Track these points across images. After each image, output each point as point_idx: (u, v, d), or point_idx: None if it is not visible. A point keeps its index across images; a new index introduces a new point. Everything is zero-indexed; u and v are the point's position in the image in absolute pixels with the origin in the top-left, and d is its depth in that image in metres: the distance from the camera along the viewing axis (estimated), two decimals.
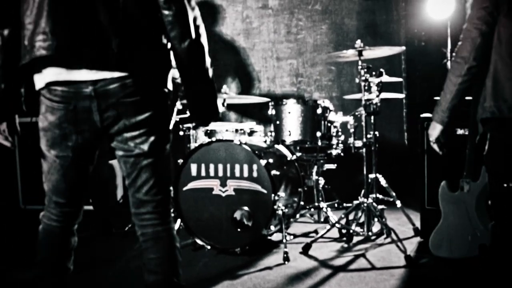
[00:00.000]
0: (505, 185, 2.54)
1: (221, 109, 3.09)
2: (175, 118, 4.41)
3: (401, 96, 4.95)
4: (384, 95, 4.07)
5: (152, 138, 2.06)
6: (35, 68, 2.04)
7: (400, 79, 5.02)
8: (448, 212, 3.59)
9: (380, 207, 3.95)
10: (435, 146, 2.88)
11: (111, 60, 1.93)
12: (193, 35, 2.07)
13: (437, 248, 3.57)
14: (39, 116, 2.16)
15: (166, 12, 2.01)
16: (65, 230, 2.28)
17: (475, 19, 2.47)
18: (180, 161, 3.93)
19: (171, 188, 2.90)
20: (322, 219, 4.59)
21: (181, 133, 4.44)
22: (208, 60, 2.14)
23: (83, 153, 2.14)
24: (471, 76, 2.49)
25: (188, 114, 4.38)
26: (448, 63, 5.04)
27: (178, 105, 4.32)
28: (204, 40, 2.13)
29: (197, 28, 2.10)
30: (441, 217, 3.62)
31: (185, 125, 4.41)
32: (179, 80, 4.73)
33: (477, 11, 2.48)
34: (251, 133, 4.29)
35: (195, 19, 2.09)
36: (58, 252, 2.28)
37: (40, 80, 2.05)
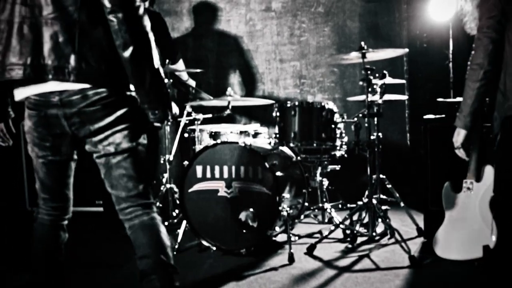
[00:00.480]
0: None
1: (175, 109, 3.15)
2: (184, 120, 4.43)
3: (404, 97, 4.95)
4: (387, 96, 4.07)
5: (117, 140, 2.24)
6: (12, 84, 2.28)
7: (403, 81, 5.02)
8: (451, 213, 3.59)
9: (383, 207, 3.94)
10: (460, 152, 2.99)
11: (71, 74, 2.13)
12: (136, 44, 2.16)
13: (441, 249, 3.57)
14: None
15: (111, 22, 2.14)
16: (54, 224, 2.51)
17: (485, 28, 2.60)
18: (186, 163, 3.94)
19: (152, 178, 3.02)
20: (326, 220, 4.60)
21: (186, 135, 4.45)
22: (154, 67, 2.22)
23: (61, 153, 2.38)
24: (487, 80, 2.63)
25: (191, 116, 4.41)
26: (450, 65, 5.05)
27: (188, 108, 4.34)
28: (149, 48, 2.21)
29: (143, 36, 2.19)
30: (444, 218, 3.63)
31: (190, 128, 4.42)
32: (190, 82, 4.67)
33: (486, 21, 2.60)
34: (255, 135, 4.29)
35: (141, 27, 2.18)
36: (48, 246, 2.50)
37: (18, 94, 2.31)
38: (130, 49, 2.14)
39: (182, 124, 4.52)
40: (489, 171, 3.47)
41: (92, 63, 2.15)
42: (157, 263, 2.31)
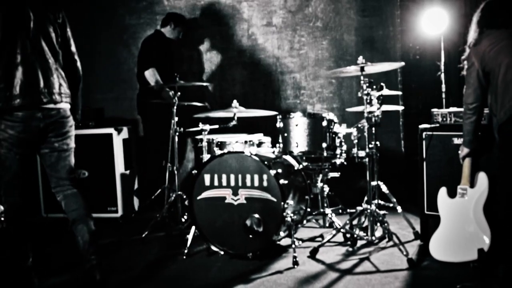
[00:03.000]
0: None
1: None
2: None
3: (400, 108, 4.96)
4: (383, 107, 4.07)
5: (68, 141, 3.29)
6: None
7: (399, 93, 5.03)
8: (447, 217, 3.60)
9: (382, 212, 3.94)
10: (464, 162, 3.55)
11: (45, 98, 3.11)
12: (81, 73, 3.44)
13: (438, 252, 3.57)
14: None
15: (75, 61, 3.39)
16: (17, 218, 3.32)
17: (469, 78, 3.28)
18: (195, 171, 3.94)
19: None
20: (327, 224, 4.59)
21: (193, 144, 4.45)
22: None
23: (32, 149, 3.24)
24: (478, 114, 3.32)
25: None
26: (442, 75, 5.05)
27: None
28: None
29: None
30: (439, 222, 3.63)
31: (197, 137, 4.42)
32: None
33: (467, 70, 3.31)
34: (259, 144, 4.30)
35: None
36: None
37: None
38: (80, 78, 3.42)
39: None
40: (482, 178, 3.49)
41: (58, 88, 3.19)
42: (83, 214, 3.30)
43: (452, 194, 3.60)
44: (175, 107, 4.61)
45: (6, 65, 3.03)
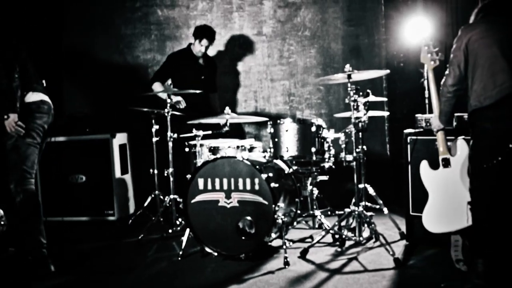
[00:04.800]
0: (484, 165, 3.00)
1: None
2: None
3: (385, 114, 4.97)
4: (370, 113, 4.07)
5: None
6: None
7: (384, 99, 5.04)
8: (434, 189, 3.53)
9: (369, 214, 3.94)
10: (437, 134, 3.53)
11: None
12: None
13: (432, 225, 3.50)
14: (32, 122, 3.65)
15: (39, 85, 3.80)
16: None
17: (454, 59, 3.16)
18: (188, 176, 3.92)
19: None
20: (316, 226, 4.59)
21: (187, 149, 4.41)
22: None
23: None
24: (457, 95, 3.24)
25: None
26: (425, 82, 5.06)
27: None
28: None
29: None
30: (428, 197, 3.56)
31: (190, 143, 4.39)
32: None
33: (454, 52, 3.16)
34: (251, 149, 4.28)
35: None
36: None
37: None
38: None
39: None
40: (462, 144, 3.46)
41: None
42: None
43: (434, 166, 3.55)
44: (169, 115, 4.58)
45: None
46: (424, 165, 3.62)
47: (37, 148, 3.69)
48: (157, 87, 5.28)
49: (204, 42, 5.26)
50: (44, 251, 3.62)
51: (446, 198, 3.47)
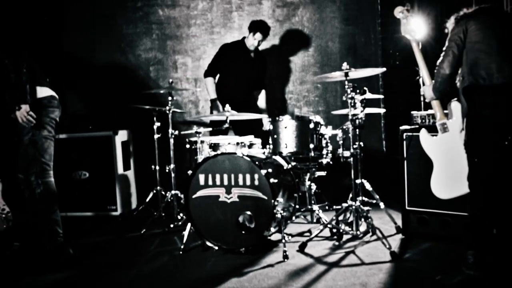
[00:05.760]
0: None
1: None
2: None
3: (382, 111, 4.98)
4: (366, 110, 4.07)
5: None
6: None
7: (381, 96, 5.04)
8: (436, 157, 3.53)
9: (366, 208, 3.95)
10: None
11: None
12: None
13: (441, 192, 3.49)
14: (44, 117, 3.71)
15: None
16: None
17: (452, 43, 3.14)
18: (190, 172, 3.93)
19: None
20: (314, 220, 4.61)
21: (188, 146, 4.42)
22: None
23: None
24: (452, 81, 3.22)
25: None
26: (420, 80, 5.07)
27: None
28: None
29: None
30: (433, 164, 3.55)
31: (191, 139, 4.39)
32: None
33: (453, 36, 3.14)
34: (250, 145, 4.28)
35: None
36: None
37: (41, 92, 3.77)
38: None
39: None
40: (456, 106, 3.46)
41: None
42: None
43: (433, 133, 3.53)
44: (170, 112, 4.58)
45: None
46: (423, 133, 3.60)
47: (53, 141, 3.78)
48: (209, 82, 5.24)
49: (258, 35, 5.17)
50: (60, 239, 3.73)
51: (450, 162, 3.45)
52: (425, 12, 5.22)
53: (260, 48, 5.38)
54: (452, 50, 3.14)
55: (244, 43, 5.28)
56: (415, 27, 3.69)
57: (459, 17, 3.18)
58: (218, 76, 5.29)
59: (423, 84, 5.04)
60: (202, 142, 4.25)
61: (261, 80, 5.48)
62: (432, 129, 3.73)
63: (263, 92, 5.50)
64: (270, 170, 3.80)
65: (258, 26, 5.16)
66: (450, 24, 3.27)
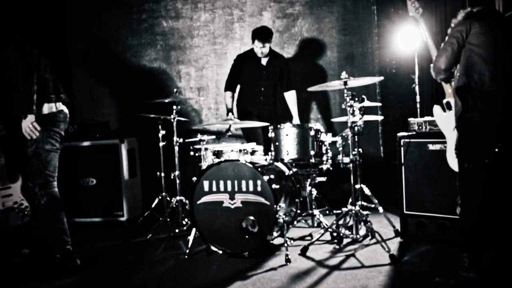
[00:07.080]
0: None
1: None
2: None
3: (379, 118, 5.00)
4: (365, 117, 4.09)
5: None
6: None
7: (378, 104, 5.06)
8: (447, 130, 3.49)
9: (365, 212, 3.96)
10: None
11: None
12: None
13: (454, 165, 3.39)
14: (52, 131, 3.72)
15: None
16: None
17: (452, 39, 3.07)
18: (194, 178, 3.94)
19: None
20: (315, 224, 4.61)
21: (192, 153, 4.43)
22: None
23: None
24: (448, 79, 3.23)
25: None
26: (416, 88, 5.10)
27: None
28: None
29: None
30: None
31: (195, 147, 4.40)
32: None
33: (453, 33, 3.08)
34: (253, 152, 4.29)
35: None
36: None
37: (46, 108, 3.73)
38: None
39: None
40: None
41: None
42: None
43: (444, 109, 3.51)
44: (175, 120, 4.61)
45: None
46: (436, 109, 3.57)
47: (57, 153, 3.74)
48: (226, 96, 5.26)
49: (257, 43, 5.08)
50: (69, 247, 3.69)
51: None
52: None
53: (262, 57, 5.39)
54: (452, 46, 3.07)
55: (253, 51, 5.25)
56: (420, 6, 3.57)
57: (465, 15, 3.09)
58: (239, 86, 5.29)
59: (419, 92, 5.10)
60: (206, 149, 4.27)
61: (284, 81, 5.37)
62: (428, 136, 3.74)
63: (291, 93, 5.40)
64: (272, 176, 3.81)
65: (256, 34, 5.12)
66: (457, 18, 3.16)
